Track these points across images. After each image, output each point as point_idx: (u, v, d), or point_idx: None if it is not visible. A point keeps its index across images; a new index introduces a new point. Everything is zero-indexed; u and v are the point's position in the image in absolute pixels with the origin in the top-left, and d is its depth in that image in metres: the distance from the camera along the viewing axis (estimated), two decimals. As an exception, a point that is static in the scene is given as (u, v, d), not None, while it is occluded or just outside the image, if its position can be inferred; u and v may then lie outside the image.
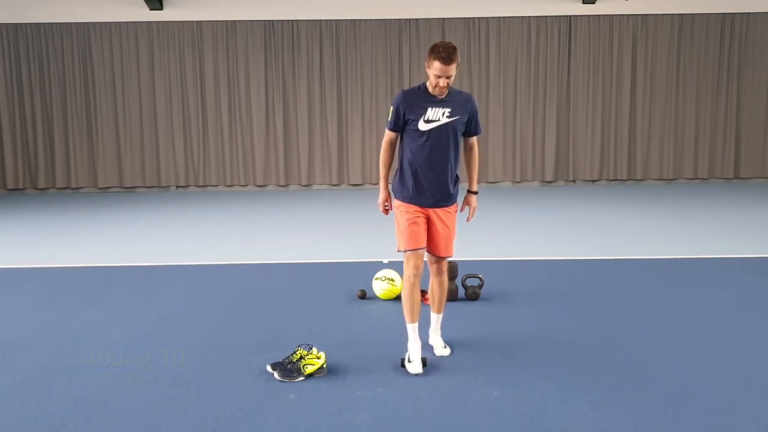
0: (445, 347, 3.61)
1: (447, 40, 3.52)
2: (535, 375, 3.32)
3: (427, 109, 3.33)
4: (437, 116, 3.33)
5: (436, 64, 3.21)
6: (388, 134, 3.47)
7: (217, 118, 11.33)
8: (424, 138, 3.35)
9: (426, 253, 3.51)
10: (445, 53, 3.20)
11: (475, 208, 3.64)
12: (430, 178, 3.38)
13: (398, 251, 3.50)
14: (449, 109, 3.34)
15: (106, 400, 3.10)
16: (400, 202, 3.46)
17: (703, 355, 3.58)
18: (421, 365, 3.35)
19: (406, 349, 3.48)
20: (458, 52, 3.27)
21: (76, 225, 8.14)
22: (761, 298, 4.61)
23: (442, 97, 3.34)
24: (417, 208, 3.42)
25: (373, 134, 11.28)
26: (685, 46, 11.20)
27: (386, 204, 3.59)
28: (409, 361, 3.39)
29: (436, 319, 3.65)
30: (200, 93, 11.27)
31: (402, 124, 3.40)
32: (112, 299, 4.78)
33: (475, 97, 3.61)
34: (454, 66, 3.23)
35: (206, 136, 11.37)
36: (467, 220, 3.69)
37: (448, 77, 3.24)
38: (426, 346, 3.60)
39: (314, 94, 11.30)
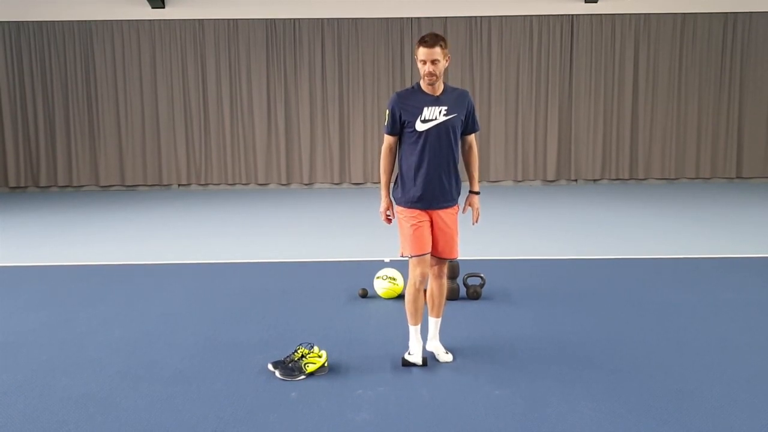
0: (447, 353, 3.54)
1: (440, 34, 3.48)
2: (536, 374, 3.32)
3: (423, 109, 3.27)
4: (434, 115, 3.27)
5: (420, 50, 3.22)
6: (387, 139, 3.41)
7: (219, 116, 11.33)
8: (422, 138, 3.29)
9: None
10: (428, 37, 3.22)
11: (478, 209, 3.56)
12: (430, 179, 3.32)
13: (402, 256, 3.45)
14: (446, 107, 3.29)
15: (107, 398, 3.10)
16: (402, 208, 3.41)
17: (705, 355, 3.57)
18: (422, 360, 3.40)
19: (407, 349, 3.48)
20: (447, 41, 3.26)
21: (77, 223, 8.15)
22: (763, 297, 4.60)
23: (436, 93, 3.28)
24: (419, 211, 3.36)
25: (375, 133, 11.27)
26: (687, 46, 11.18)
27: (388, 213, 3.51)
28: (409, 354, 3.43)
29: (434, 324, 3.57)
30: (202, 91, 11.27)
31: (400, 127, 3.34)
32: (113, 297, 4.79)
33: (475, 95, 3.55)
34: (438, 50, 3.20)
35: (208, 134, 11.36)
36: (473, 223, 3.61)
37: (433, 62, 3.20)
38: (426, 353, 3.53)
39: (316, 92, 11.29)
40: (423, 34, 11.28)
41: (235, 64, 11.18)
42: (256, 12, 11.02)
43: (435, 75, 3.24)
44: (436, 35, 3.25)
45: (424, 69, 3.24)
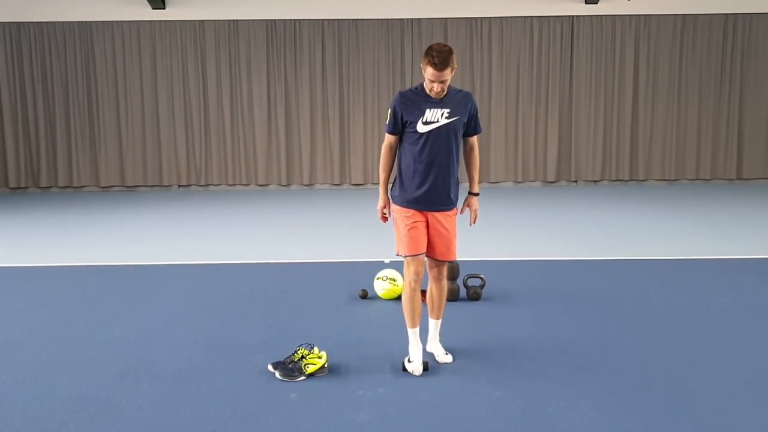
0: (447, 354, 3.54)
1: (444, 42, 3.41)
2: (536, 375, 3.32)
3: (425, 111, 3.26)
4: (436, 117, 3.26)
5: (429, 70, 3.14)
6: (387, 138, 3.41)
7: (219, 117, 11.33)
8: (423, 140, 3.28)
9: (426, 258, 3.46)
10: (438, 58, 3.11)
11: (476, 210, 3.55)
12: (428, 181, 3.31)
13: (397, 255, 3.45)
14: (448, 110, 3.27)
15: (107, 398, 3.10)
16: (398, 207, 3.41)
17: (704, 355, 3.57)
18: (422, 367, 3.33)
19: (406, 350, 3.47)
20: (454, 55, 3.16)
21: (77, 224, 8.15)
22: (762, 298, 4.60)
23: (440, 96, 3.27)
24: (415, 212, 3.35)
25: (375, 134, 11.27)
26: (687, 47, 11.18)
27: (385, 210, 3.51)
28: (409, 362, 3.37)
29: (434, 326, 3.57)
30: (202, 92, 11.27)
31: (401, 127, 3.34)
32: (113, 298, 4.79)
33: (475, 96, 3.53)
34: (448, 71, 3.14)
35: (208, 135, 11.37)
36: (470, 224, 3.61)
37: (442, 82, 3.17)
38: (426, 354, 3.54)
39: (316, 93, 11.30)
40: (424, 35, 11.16)
41: (236, 64, 11.18)
42: (256, 13, 11.02)
43: (443, 91, 3.24)
44: (447, 53, 3.13)
45: (431, 86, 3.21)
